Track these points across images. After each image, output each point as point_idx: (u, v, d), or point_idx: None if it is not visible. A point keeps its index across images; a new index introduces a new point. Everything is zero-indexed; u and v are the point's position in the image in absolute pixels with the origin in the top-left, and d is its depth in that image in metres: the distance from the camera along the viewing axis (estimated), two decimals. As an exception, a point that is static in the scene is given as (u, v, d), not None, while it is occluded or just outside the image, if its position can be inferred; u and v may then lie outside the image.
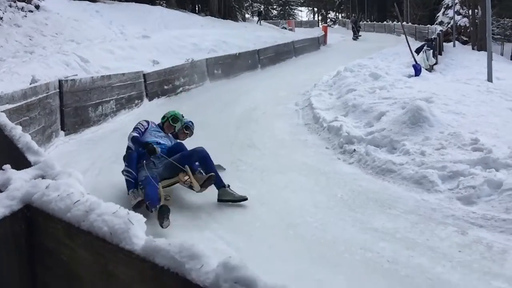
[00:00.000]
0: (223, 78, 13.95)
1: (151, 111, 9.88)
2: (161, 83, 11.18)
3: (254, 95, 11.22)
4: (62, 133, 7.44)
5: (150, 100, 10.57)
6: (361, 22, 43.13)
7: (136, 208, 4.32)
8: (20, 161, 1.40)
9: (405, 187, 5.10)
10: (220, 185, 4.79)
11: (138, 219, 1.02)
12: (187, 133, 5.64)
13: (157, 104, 10.57)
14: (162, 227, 4.07)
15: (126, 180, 4.79)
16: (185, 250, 0.87)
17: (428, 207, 4.56)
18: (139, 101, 10.13)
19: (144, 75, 10.48)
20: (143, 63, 12.03)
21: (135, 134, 5.03)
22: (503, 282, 3.29)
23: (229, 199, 4.73)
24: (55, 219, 1.06)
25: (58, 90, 7.34)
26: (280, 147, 6.97)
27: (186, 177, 4.67)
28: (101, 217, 1.00)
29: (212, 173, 4.69)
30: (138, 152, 4.87)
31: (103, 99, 8.63)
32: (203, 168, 4.90)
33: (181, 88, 11.94)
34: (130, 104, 9.71)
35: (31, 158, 1.43)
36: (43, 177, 1.26)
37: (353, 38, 30.60)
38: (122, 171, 4.92)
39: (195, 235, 4.10)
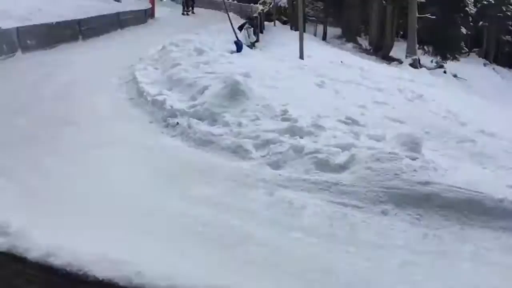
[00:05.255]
0: (39, 49, 12.72)
1: None
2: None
3: (74, 69, 10.51)
4: None
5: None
6: (190, -3, 42.95)
7: None
8: None
9: (223, 157, 5.44)
10: None
11: None
12: None
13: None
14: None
15: None
16: None
17: (242, 173, 4.95)
18: None
19: None
20: None
21: None
22: (300, 233, 3.80)
23: None
24: None
25: None
26: (102, 122, 6.73)
27: None
28: None
29: None
30: None
31: None
32: None
33: (-14, 60, 10.58)
34: None
35: None
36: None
37: (182, 13, 30.39)
38: None
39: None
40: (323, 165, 4.90)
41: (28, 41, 12.45)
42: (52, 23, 14.18)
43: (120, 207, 4.09)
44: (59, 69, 10.45)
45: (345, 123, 6.32)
